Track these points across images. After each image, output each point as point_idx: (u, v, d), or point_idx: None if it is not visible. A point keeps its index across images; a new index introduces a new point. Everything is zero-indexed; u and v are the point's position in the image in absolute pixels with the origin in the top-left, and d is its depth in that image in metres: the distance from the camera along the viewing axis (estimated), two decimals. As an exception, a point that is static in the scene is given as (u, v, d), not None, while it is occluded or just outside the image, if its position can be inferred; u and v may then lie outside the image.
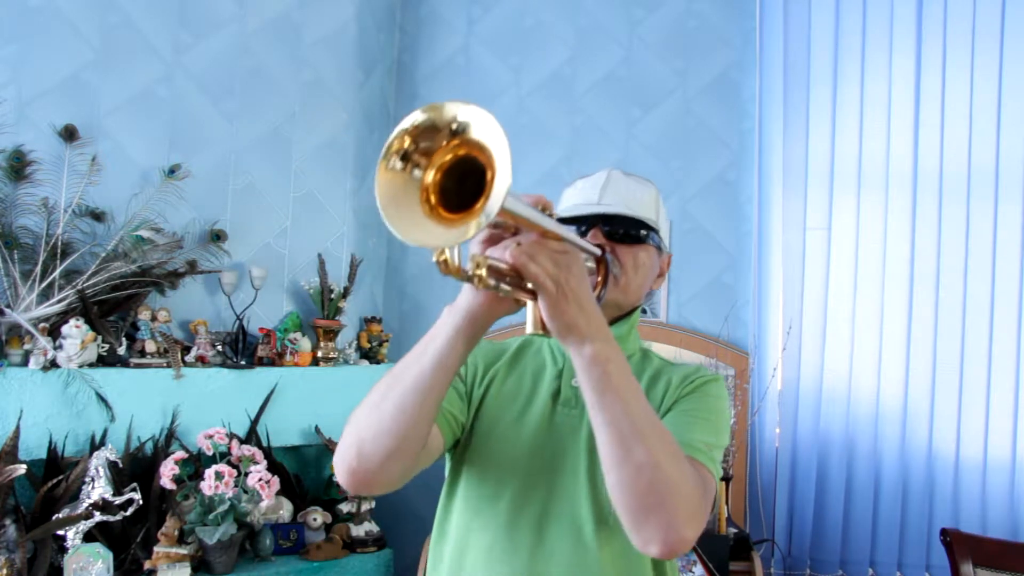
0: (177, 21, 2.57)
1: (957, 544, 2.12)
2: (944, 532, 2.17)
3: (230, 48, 2.66)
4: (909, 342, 2.93)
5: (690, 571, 2.30)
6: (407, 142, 0.71)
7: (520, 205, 0.76)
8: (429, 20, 3.38)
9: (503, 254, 0.80)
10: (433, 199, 0.71)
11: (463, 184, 0.71)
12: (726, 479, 2.63)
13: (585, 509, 1.03)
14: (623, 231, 1.11)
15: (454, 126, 0.69)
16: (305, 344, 2.63)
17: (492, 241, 0.83)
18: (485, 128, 0.69)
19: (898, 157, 2.98)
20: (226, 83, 2.66)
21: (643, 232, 1.12)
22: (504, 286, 0.81)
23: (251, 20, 2.71)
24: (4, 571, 1.87)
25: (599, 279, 1.02)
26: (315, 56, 2.86)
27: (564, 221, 1.12)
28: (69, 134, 2.30)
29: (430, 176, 0.71)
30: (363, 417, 0.94)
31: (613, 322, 1.13)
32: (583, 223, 1.12)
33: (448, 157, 0.71)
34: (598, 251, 1.02)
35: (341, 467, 0.96)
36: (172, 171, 2.46)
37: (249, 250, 2.68)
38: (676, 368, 1.15)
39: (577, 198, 1.16)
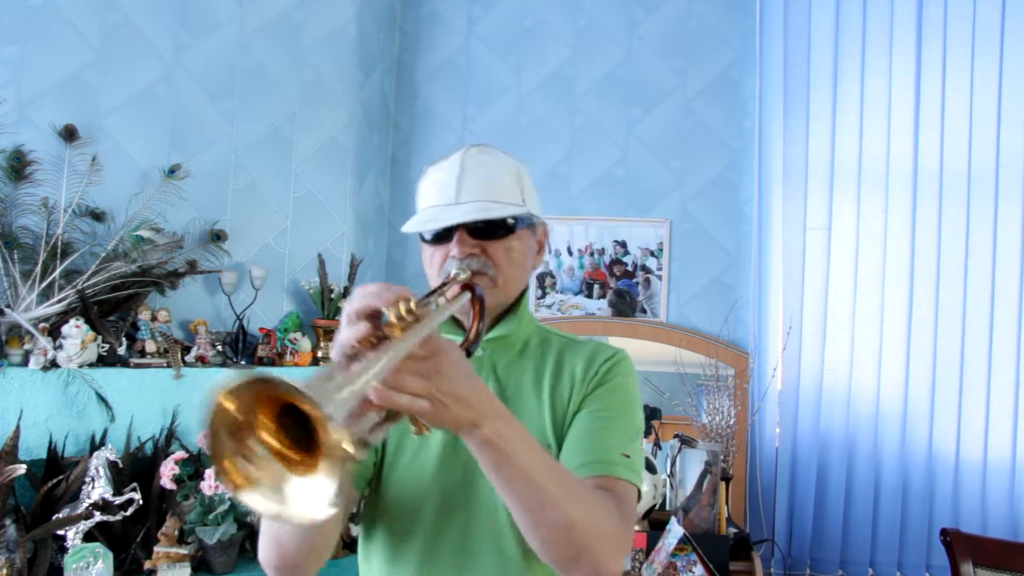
0: (177, 21, 2.57)
1: (957, 544, 2.12)
2: (944, 532, 2.16)
3: (230, 48, 2.66)
4: (909, 342, 2.93)
5: (690, 571, 2.30)
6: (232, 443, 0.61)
7: (354, 386, 0.65)
8: (429, 20, 3.38)
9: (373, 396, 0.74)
10: (280, 445, 0.62)
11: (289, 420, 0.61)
12: (726, 479, 2.63)
13: (508, 538, 1.00)
14: (489, 228, 1.04)
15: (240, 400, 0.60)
16: (305, 344, 2.63)
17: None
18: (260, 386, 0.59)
19: (898, 157, 2.98)
20: (226, 83, 2.66)
21: (512, 221, 1.06)
22: (385, 423, 0.78)
23: (251, 20, 2.71)
24: (4, 571, 1.87)
25: (474, 311, 0.97)
26: (315, 56, 2.86)
27: (430, 233, 1.06)
28: (69, 134, 2.30)
29: (266, 438, 0.62)
30: (275, 542, 0.96)
31: (499, 319, 1.10)
32: (447, 230, 1.04)
33: (265, 424, 0.62)
34: (465, 295, 0.97)
35: (266, 565, 0.98)
36: (172, 171, 2.46)
37: (249, 250, 2.68)
38: (578, 349, 1.11)
39: (434, 198, 1.06)
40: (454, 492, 1.02)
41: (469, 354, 0.95)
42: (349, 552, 2.48)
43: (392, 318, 0.78)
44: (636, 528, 2.39)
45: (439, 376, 0.78)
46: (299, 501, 0.60)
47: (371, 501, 1.09)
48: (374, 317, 0.80)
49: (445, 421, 0.80)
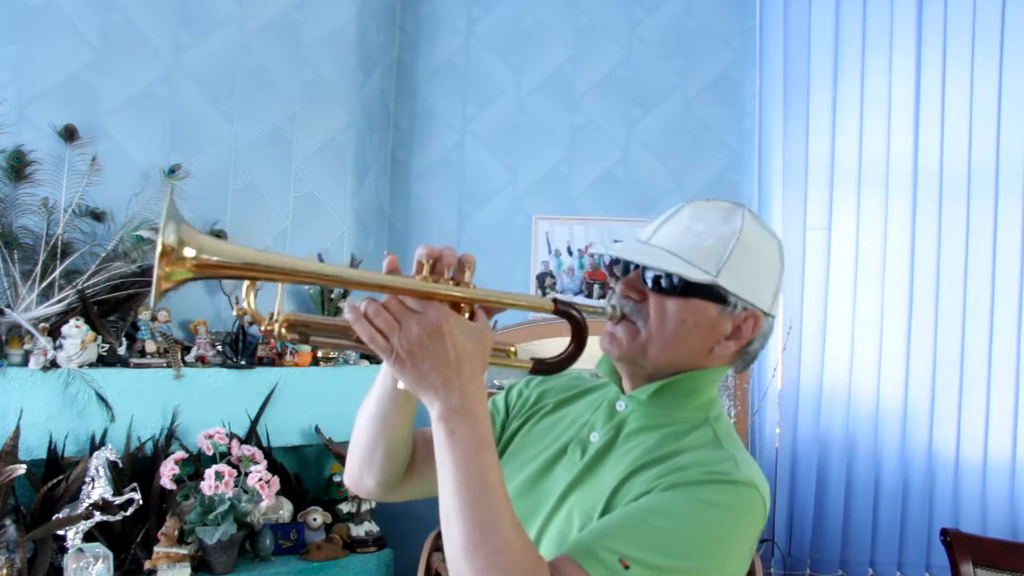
0: (177, 21, 2.57)
1: (957, 544, 2.12)
2: (944, 532, 2.16)
3: (230, 48, 2.66)
4: (909, 342, 2.93)
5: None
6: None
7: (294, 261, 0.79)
8: (429, 20, 3.38)
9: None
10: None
11: None
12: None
13: None
14: (656, 276, 0.94)
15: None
16: (305, 344, 2.63)
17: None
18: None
19: (898, 157, 2.98)
20: (226, 83, 2.66)
21: (688, 283, 0.92)
22: (348, 343, 0.84)
23: (251, 20, 2.70)
24: (4, 571, 1.87)
25: (573, 338, 0.93)
26: (315, 56, 2.86)
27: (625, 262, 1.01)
28: (69, 134, 2.30)
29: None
30: (353, 430, 1.04)
31: (648, 380, 0.97)
32: (629, 264, 0.99)
33: None
34: (549, 305, 0.90)
35: (344, 472, 1.08)
36: (172, 171, 2.46)
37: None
38: (707, 451, 0.91)
39: (644, 230, 1.02)
40: (535, 505, 0.97)
41: (537, 371, 0.93)
42: (349, 552, 2.48)
43: (426, 271, 0.83)
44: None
45: (410, 332, 0.78)
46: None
47: None
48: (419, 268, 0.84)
49: (404, 376, 0.81)
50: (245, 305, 0.79)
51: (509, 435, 1.10)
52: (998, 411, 2.87)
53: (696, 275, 0.91)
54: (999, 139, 2.91)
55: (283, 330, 0.81)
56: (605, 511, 0.87)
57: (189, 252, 0.73)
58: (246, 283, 0.78)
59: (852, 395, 2.96)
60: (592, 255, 3.17)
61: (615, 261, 1.00)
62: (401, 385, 0.85)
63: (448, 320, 0.80)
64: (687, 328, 0.94)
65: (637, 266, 0.96)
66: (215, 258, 0.75)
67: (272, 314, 0.81)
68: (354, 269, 0.86)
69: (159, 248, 0.70)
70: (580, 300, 0.97)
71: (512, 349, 0.93)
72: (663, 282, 0.94)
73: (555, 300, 0.91)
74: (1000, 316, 2.89)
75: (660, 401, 0.96)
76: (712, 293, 0.93)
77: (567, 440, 1.01)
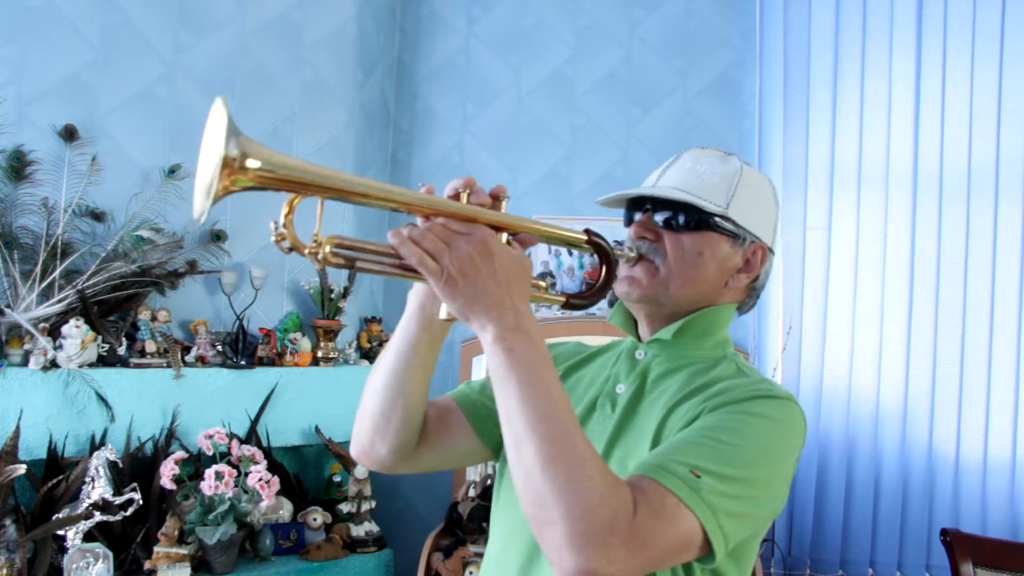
0: (177, 21, 2.57)
1: (957, 544, 2.12)
2: (944, 532, 2.16)
3: (230, 48, 2.66)
4: (909, 342, 2.93)
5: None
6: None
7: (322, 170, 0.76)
8: (429, 20, 3.38)
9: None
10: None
11: None
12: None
13: None
14: (672, 216, 0.97)
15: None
16: (305, 344, 2.63)
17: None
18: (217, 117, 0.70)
19: (898, 157, 2.98)
20: (226, 83, 2.66)
21: (701, 217, 0.96)
22: (391, 268, 0.81)
23: (251, 20, 2.71)
24: (4, 571, 1.87)
25: (601, 270, 0.93)
26: (315, 56, 2.86)
27: (626, 206, 1.06)
28: (69, 134, 2.30)
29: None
30: (362, 398, 1.00)
31: (667, 321, 0.99)
32: (635, 207, 1.02)
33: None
34: (582, 236, 0.91)
35: (352, 443, 1.04)
36: (172, 171, 2.46)
37: (249, 250, 2.68)
38: (738, 379, 0.94)
39: (648, 178, 1.06)
40: None
41: (568, 305, 0.91)
42: (349, 552, 2.48)
43: (464, 199, 0.82)
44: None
45: (460, 252, 0.77)
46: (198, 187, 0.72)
47: (501, 462, 1.07)
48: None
49: (455, 299, 0.78)
50: (284, 230, 0.74)
51: None
52: (998, 411, 2.87)
53: (709, 207, 0.95)
54: (999, 139, 2.91)
55: (329, 253, 0.76)
56: (657, 439, 0.90)
57: (253, 163, 0.70)
58: (284, 209, 0.74)
59: (852, 395, 2.96)
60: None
61: (632, 205, 1.03)
62: (443, 315, 0.83)
63: (496, 240, 0.80)
64: (704, 261, 0.97)
65: (647, 210, 0.99)
66: (276, 169, 0.73)
67: (315, 238, 0.77)
68: (403, 188, 0.82)
69: (221, 158, 0.67)
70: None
71: (543, 284, 0.91)
72: (679, 218, 0.97)
73: (587, 231, 0.92)
74: (1000, 316, 2.89)
75: (682, 341, 0.98)
76: (724, 226, 0.97)
77: (593, 397, 1.01)
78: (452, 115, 3.35)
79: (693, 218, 0.96)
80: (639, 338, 1.05)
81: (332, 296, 2.76)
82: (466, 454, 1.07)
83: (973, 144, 2.93)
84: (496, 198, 0.84)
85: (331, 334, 2.74)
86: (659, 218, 0.99)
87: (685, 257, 0.97)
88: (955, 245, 2.92)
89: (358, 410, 1.01)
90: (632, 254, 0.97)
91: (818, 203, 3.03)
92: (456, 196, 0.83)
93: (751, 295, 1.05)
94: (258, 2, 2.72)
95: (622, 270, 0.99)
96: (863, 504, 2.91)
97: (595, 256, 0.94)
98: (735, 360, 1.00)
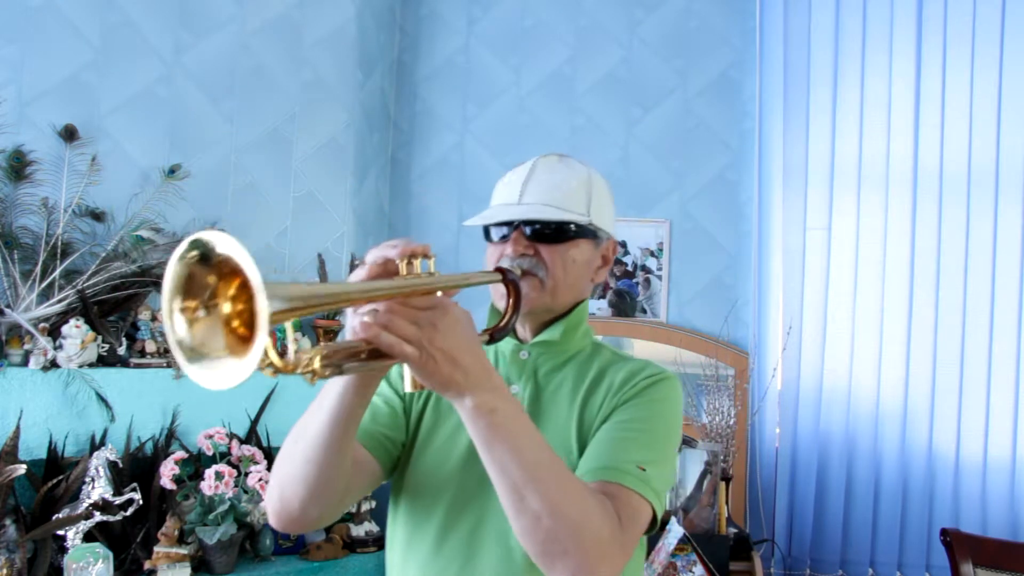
0: (177, 21, 2.57)
1: (957, 544, 2.12)
2: (944, 532, 2.17)
3: (230, 48, 2.66)
4: (909, 342, 2.93)
5: (690, 571, 2.30)
6: (187, 296, 0.66)
7: (345, 286, 0.76)
8: (429, 20, 3.38)
9: (355, 332, 0.77)
10: (238, 326, 0.66)
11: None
12: (726, 479, 2.63)
13: (516, 542, 0.97)
14: (545, 231, 1.06)
15: (210, 257, 0.65)
16: (305, 344, 2.63)
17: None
18: (226, 248, 0.64)
19: (898, 157, 2.98)
20: (226, 83, 2.66)
21: (570, 228, 1.07)
22: (370, 362, 0.79)
23: (251, 20, 2.71)
24: (4, 571, 1.87)
25: (510, 301, 0.99)
26: (315, 56, 2.86)
27: (487, 226, 1.11)
28: (69, 134, 2.30)
29: (227, 308, 0.66)
30: (280, 464, 0.98)
31: (546, 325, 1.10)
32: (505, 227, 1.09)
33: (231, 286, 0.66)
34: (497, 276, 0.99)
35: (268, 509, 1.01)
36: (172, 171, 2.46)
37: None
38: (624, 365, 1.08)
39: (500, 197, 1.12)
40: (472, 488, 1.02)
41: (493, 339, 0.97)
42: (349, 552, 2.48)
43: (403, 270, 0.82)
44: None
45: (433, 329, 0.78)
46: (211, 369, 0.64)
47: (396, 483, 1.11)
48: (387, 265, 0.83)
49: (433, 377, 0.80)
50: (271, 358, 0.67)
51: (417, 415, 1.11)
52: (998, 411, 2.87)
53: (580, 220, 1.06)
54: (999, 139, 2.91)
55: (320, 369, 0.73)
56: (582, 436, 1.02)
57: (286, 306, 0.65)
58: (267, 341, 0.63)
59: (852, 395, 2.96)
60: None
61: (501, 234, 1.10)
62: (408, 388, 0.84)
63: (454, 308, 0.83)
64: (579, 267, 1.09)
65: (516, 226, 1.07)
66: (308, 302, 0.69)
67: (300, 359, 0.71)
68: (364, 285, 0.80)
69: (266, 316, 0.60)
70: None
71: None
72: (552, 232, 1.06)
73: (499, 269, 1.02)
74: (1000, 316, 2.89)
75: (563, 338, 1.10)
76: (589, 232, 1.10)
77: None
78: (452, 115, 3.35)
79: (565, 229, 1.07)
80: (519, 339, 1.12)
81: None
82: (369, 488, 1.09)
83: (973, 144, 2.93)
84: (425, 255, 0.85)
85: (331, 334, 2.74)
86: (530, 231, 1.07)
87: (564, 266, 1.07)
88: (955, 245, 2.92)
89: (280, 477, 0.97)
90: (517, 272, 1.04)
91: (818, 203, 3.03)
92: (390, 262, 0.83)
93: (599, 286, 1.18)
94: (258, 2, 2.72)
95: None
96: (863, 504, 2.91)
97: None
98: (605, 348, 1.14)
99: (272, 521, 1.01)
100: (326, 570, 2.38)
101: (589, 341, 1.15)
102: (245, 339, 0.64)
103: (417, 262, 0.83)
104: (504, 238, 1.09)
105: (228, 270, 0.64)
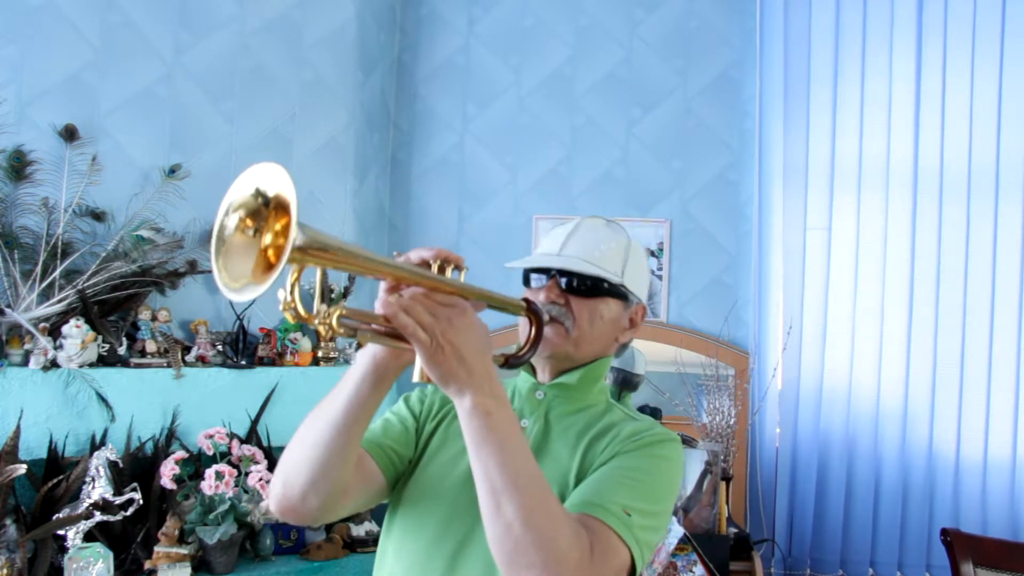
0: (177, 21, 2.57)
1: (957, 544, 2.12)
2: (944, 532, 2.17)
3: (230, 48, 2.66)
4: (909, 342, 2.93)
5: (690, 571, 2.30)
6: (245, 215, 0.73)
7: (362, 252, 0.79)
8: (429, 20, 3.38)
9: (377, 307, 0.83)
10: (272, 256, 0.72)
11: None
12: (726, 479, 2.63)
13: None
14: (578, 283, 1.12)
15: (261, 194, 0.72)
16: (305, 344, 2.63)
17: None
18: (276, 182, 0.71)
19: (898, 157, 2.98)
20: (226, 83, 2.66)
21: (603, 285, 1.12)
22: (381, 337, 0.85)
23: (251, 20, 2.70)
24: (4, 571, 1.87)
25: (531, 334, 1.06)
26: (315, 56, 2.86)
27: (526, 271, 1.17)
28: (69, 134, 2.30)
29: (267, 239, 0.72)
30: (289, 450, 1.02)
31: (564, 372, 1.14)
32: (542, 271, 1.14)
33: (280, 222, 0.72)
34: (522, 304, 1.05)
35: (270, 495, 1.05)
36: (172, 171, 2.46)
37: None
38: (634, 422, 1.11)
39: (543, 247, 1.19)
40: (463, 509, 1.04)
41: (507, 364, 1.02)
42: (349, 552, 2.48)
43: (435, 271, 0.88)
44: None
45: (448, 323, 0.83)
46: (230, 273, 0.72)
47: (395, 496, 1.14)
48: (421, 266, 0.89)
49: (440, 367, 0.84)
50: (291, 298, 0.75)
51: (427, 436, 1.15)
52: (998, 411, 2.87)
53: (613, 278, 1.12)
54: (999, 139, 2.91)
55: (336, 325, 0.79)
56: (581, 475, 1.04)
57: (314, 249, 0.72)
58: (291, 279, 0.75)
59: (852, 395, 2.96)
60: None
61: (535, 270, 1.16)
62: (416, 378, 0.87)
63: (473, 312, 0.88)
64: (604, 323, 1.14)
65: (553, 275, 1.13)
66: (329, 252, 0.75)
67: (326, 311, 0.79)
68: (398, 262, 0.87)
69: (291, 245, 0.68)
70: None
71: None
72: (585, 285, 1.12)
73: (525, 299, 1.09)
74: (1000, 316, 2.89)
75: (579, 385, 1.14)
76: (620, 292, 1.15)
77: None
78: (452, 115, 3.35)
79: (597, 286, 1.12)
80: (537, 380, 1.17)
81: (332, 296, 2.76)
82: (372, 499, 1.12)
83: (973, 144, 2.93)
84: (458, 266, 0.91)
85: (331, 341, 2.74)
86: (566, 283, 1.13)
87: (591, 320, 1.12)
88: (955, 245, 2.93)
89: (286, 464, 1.01)
90: (546, 317, 1.10)
91: (818, 203, 3.03)
92: (425, 263, 0.89)
93: (624, 346, 1.22)
94: (258, 2, 2.72)
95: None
96: (863, 504, 2.92)
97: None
98: (618, 407, 1.17)
99: (272, 506, 1.04)
100: (326, 570, 2.38)
101: (604, 398, 1.18)
102: (270, 267, 0.71)
103: (449, 269, 0.89)
104: (540, 284, 1.14)
105: (280, 208, 0.71)
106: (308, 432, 0.99)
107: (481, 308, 0.94)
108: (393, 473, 1.12)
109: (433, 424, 1.16)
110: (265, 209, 0.72)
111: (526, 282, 1.18)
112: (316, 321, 0.78)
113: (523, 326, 1.11)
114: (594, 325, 1.13)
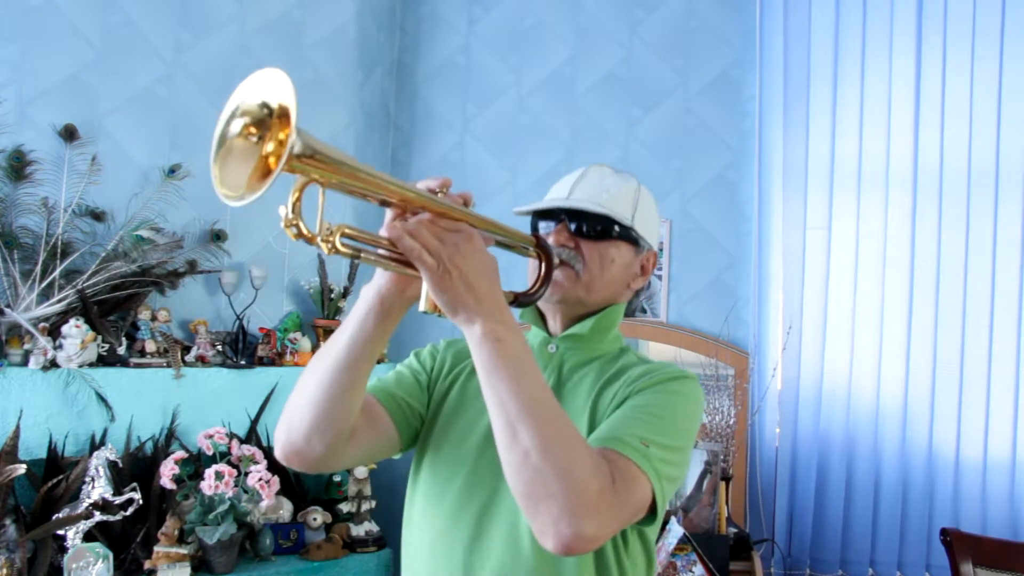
0: (177, 21, 2.57)
1: (957, 544, 2.12)
2: (944, 532, 2.17)
3: (230, 48, 2.66)
4: (909, 342, 2.93)
5: (690, 571, 2.30)
6: (250, 121, 0.72)
7: (363, 169, 0.77)
8: (429, 20, 3.38)
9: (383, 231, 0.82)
10: (272, 161, 0.71)
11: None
12: (726, 479, 2.63)
13: (523, 527, 1.00)
14: (588, 226, 1.09)
15: (266, 104, 0.71)
16: (305, 344, 2.63)
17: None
18: (280, 90, 0.69)
19: (898, 157, 2.98)
20: (226, 83, 2.64)
21: (613, 228, 1.09)
22: (386, 261, 0.84)
23: (251, 20, 2.71)
24: (4, 571, 1.87)
25: (541, 272, 1.03)
26: (315, 56, 2.86)
27: (535, 215, 1.15)
28: (69, 134, 2.30)
29: (269, 146, 0.71)
30: (294, 394, 1.00)
31: (577, 319, 1.12)
32: (551, 218, 1.12)
33: (284, 131, 0.70)
34: (531, 240, 1.02)
35: (276, 440, 1.02)
36: (172, 171, 2.46)
37: (249, 250, 2.68)
38: (646, 363, 1.10)
39: (551, 193, 1.17)
40: (485, 471, 1.03)
41: (516, 302, 0.99)
42: (349, 552, 2.48)
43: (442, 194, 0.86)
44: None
45: (455, 248, 0.81)
46: (228, 174, 0.71)
47: (417, 459, 1.12)
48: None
49: (447, 293, 0.82)
50: (294, 216, 0.74)
51: (441, 393, 1.13)
52: (998, 411, 2.87)
53: (623, 219, 1.09)
54: (999, 139, 2.91)
55: (339, 243, 0.78)
56: (593, 424, 1.02)
57: (312, 158, 0.72)
58: (292, 197, 0.74)
59: (852, 395, 2.96)
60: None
61: (542, 216, 1.13)
62: (423, 307, 0.86)
63: (480, 239, 0.85)
64: (616, 267, 1.11)
65: (562, 220, 1.10)
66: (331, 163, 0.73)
67: (327, 227, 0.77)
68: (402, 182, 0.84)
69: (289, 150, 0.67)
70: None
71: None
72: (596, 228, 1.09)
73: (535, 234, 1.06)
74: (1000, 316, 2.89)
75: (592, 335, 1.11)
76: (631, 236, 1.12)
77: None
78: (452, 115, 3.35)
79: (607, 228, 1.10)
80: (549, 333, 1.14)
81: (332, 296, 2.76)
82: (381, 450, 1.09)
83: (973, 144, 2.93)
84: (465, 203, 0.89)
85: (331, 334, 2.74)
86: (575, 227, 1.10)
87: (602, 263, 1.10)
88: (955, 245, 2.92)
89: (290, 407, 1.00)
90: (556, 260, 1.07)
91: (818, 203, 3.03)
92: (432, 193, 0.87)
93: (637, 294, 1.20)
94: (258, 2, 2.72)
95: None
96: (863, 504, 2.91)
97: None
98: (632, 351, 1.16)
99: (277, 452, 1.02)
100: (326, 570, 2.38)
101: (618, 345, 1.16)
102: (268, 172, 0.69)
103: (456, 193, 0.87)
104: (549, 231, 1.11)
105: (282, 113, 0.69)
106: (312, 374, 0.97)
107: (489, 243, 0.92)
108: (405, 425, 1.09)
109: (447, 382, 1.14)
110: (269, 118, 0.70)
111: (534, 229, 1.15)
112: (319, 239, 0.76)
113: (532, 268, 1.07)
114: (605, 269, 1.10)
